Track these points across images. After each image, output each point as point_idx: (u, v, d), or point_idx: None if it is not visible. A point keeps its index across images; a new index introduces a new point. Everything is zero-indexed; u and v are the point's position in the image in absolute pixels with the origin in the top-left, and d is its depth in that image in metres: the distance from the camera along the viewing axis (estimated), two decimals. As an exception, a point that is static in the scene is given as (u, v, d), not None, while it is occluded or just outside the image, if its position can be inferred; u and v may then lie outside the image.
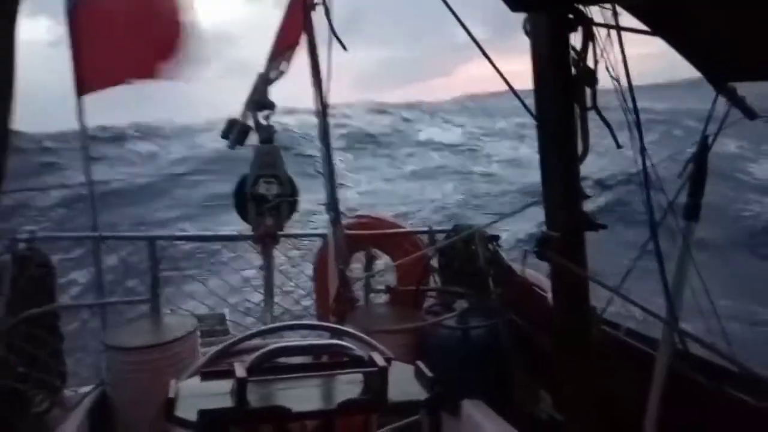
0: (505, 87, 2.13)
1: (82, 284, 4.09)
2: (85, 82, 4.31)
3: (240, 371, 1.45)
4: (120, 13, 4.40)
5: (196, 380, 1.59)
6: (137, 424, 3.05)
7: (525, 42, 2.09)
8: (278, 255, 4.33)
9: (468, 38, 2.25)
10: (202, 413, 1.38)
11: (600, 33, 1.93)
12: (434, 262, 4.35)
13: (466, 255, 4.00)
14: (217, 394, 1.47)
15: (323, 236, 4.29)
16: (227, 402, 1.43)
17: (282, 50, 4.22)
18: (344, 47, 3.47)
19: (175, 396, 1.45)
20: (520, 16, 2.06)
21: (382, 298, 4.38)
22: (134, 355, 3.19)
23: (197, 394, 1.48)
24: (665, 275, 2.04)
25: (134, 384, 3.15)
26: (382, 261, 4.33)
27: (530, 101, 2.12)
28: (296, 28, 4.03)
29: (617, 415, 2.27)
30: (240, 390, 1.42)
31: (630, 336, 2.58)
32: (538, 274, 3.60)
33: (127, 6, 4.46)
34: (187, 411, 1.41)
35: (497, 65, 2.12)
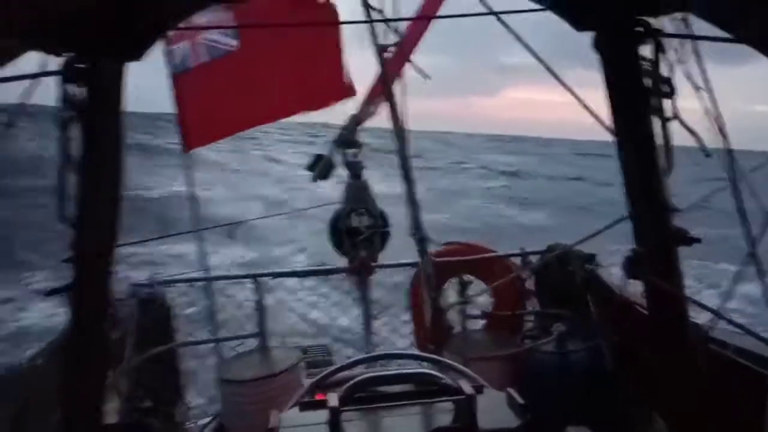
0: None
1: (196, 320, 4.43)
2: (190, 140, 4.73)
3: (333, 401, 1.54)
4: (237, 69, 4.80)
5: (296, 411, 1.70)
6: None
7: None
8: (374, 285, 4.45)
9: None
10: None
11: (673, 42, 1.88)
12: (530, 285, 4.28)
13: (562, 276, 3.91)
14: (315, 424, 1.57)
15: (416, 265, 4.36)
16: (324, 431, 1.52)
17: (376, 95, 4.42)
18: (426, 76, 3.58)
19: (276, 427, 1.57)
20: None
21: (480, 323, 4.35)
22: (245, 388, 3.38)
23: (296, 425, 1.59)
24: None
25: (246, 414, 3.34)
26: (476, 287, 4.32)
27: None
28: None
29: None
30: (333, 420, 1.50)
31: (740, 355, 2.39)
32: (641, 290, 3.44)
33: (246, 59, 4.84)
34: None
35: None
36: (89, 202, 1.99)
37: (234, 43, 4.72)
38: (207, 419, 3.81)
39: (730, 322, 1.94)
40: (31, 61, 1.87)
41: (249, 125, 4.94)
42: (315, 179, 4.20)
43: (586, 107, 2.08)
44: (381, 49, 3.47)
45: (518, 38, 2.10)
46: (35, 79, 1.85)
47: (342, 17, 4.59)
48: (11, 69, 1.76)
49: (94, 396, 2.09)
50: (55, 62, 1.95)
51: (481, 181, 34.62)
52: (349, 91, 4.82)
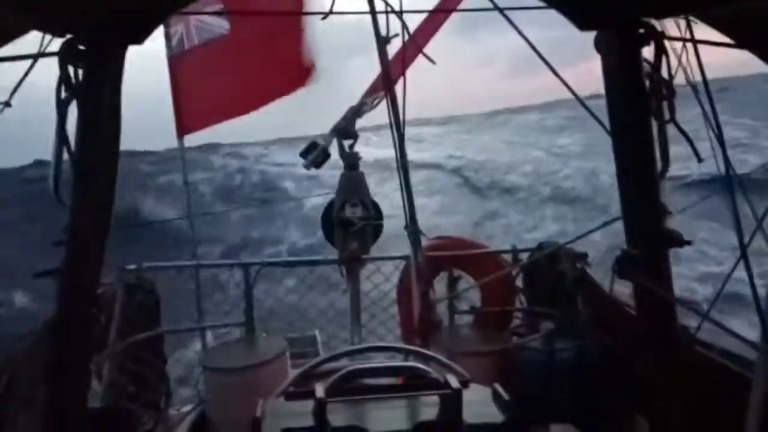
0: None
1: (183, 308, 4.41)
2: (184, 124, 4.69)
3: (320, 392, 1.52)
4: (226, 54, 4.78)
5: (281, 400, 1.68)
6: None
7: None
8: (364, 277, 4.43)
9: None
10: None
11: (675, 45, 1.87)
12: (519, 282, 4.28)
13: (552, 274, 3.91)
14: (300, 414, 1.55)
15: (406, 258, 4.34)
16: (309, 421, 1.51)
17: (378, 88, 4.39)
18: (432, 61, 3.56)
19: (262, 415, 1.55)
20: None
21: (468, 319, 4.35)
22: (228, 377, 3.36)
23: (282, 414, 1.57)
24: (759, 298, 1.88)
25: (229, 403, 3.32)
26: (465, 282, 4.31)
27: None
28: (394, 69, 4.19)
29: None
30: (319, 410, 1.49)
31: (724, 357, 2.39)
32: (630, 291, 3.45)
33: (234, 48, 4.82)
34: (273, 429, 1.50)
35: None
36: (84, 186, 1.96)
37: (226, 25, 4.70)
38: (189, 407, 3.78)
39: (717, 324, 1.94)
40: (32, 42, 1.84)
41: (238, 113, 4.92)
42: (308, 166, 4.16)
43: (583, 104, 2.08)
44: (383, 42, 3.43)
45: (521, 34, 2.08)
46: (35, 60, 1.82)
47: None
48: (12, 48, 1.73)
49: (78, 379, 2.07)
50: (56, 44, 1.92)
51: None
52: (308, 74, 4.81)
